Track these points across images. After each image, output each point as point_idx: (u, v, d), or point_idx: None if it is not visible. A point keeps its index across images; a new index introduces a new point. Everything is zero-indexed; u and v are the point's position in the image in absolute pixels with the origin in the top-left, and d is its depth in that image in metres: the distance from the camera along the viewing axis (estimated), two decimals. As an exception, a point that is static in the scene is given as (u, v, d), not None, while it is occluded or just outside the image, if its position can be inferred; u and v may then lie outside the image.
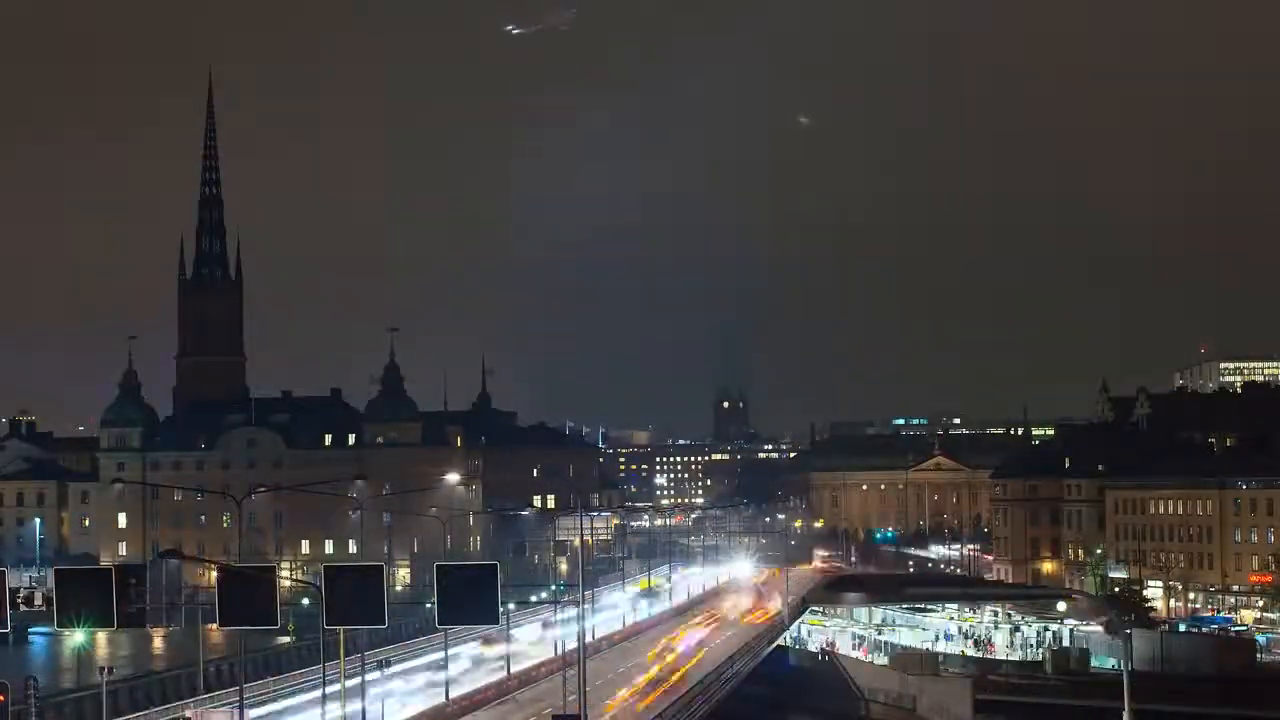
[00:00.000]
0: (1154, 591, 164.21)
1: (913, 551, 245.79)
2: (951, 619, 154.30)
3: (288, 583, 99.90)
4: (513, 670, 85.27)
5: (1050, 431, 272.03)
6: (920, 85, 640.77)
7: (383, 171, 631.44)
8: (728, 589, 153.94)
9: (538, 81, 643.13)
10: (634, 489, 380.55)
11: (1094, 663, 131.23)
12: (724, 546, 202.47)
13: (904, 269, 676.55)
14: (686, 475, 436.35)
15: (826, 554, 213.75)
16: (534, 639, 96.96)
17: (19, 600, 57.52)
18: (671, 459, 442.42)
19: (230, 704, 67.81)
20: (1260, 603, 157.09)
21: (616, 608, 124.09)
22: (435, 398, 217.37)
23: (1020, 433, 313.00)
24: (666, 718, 76.41)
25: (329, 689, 61.87)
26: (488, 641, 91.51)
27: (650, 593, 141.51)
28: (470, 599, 52.43)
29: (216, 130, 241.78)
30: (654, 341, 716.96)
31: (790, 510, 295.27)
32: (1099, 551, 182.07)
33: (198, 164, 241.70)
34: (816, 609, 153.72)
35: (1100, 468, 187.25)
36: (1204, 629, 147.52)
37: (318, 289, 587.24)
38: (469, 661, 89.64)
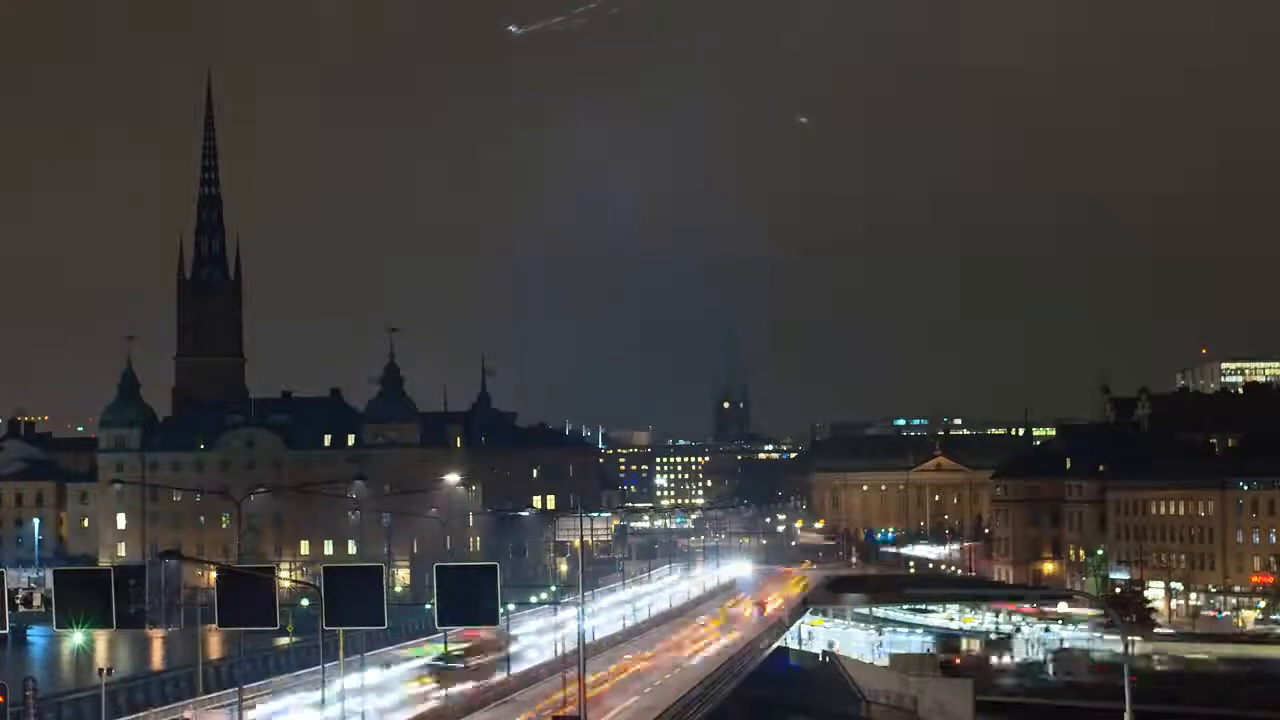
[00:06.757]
0: (1155, 592, 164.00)
1: (913, 552, 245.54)
2: (952, 620, 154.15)
3: (287, 583, 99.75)
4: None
5: (1051, 432, 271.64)
6: (920, 85, 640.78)
7: (383, 171, 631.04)
8: None
9: (538, 81, 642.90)
10: (634, 489, 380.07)
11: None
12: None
13: (904, 269, 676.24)
14: (686, 475, 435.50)
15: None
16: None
17: (18, 601, 57.38)
18: (671, 459, 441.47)
19: (229, 704, 67.59)
20: (1262, 604, 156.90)
21: None
22: (435, 398, 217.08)
23: (1021, 433, 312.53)
24: (666, 718, 76.26)
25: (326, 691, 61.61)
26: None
27: None
28: (470, 599, 52.33)
29: (216, 130, 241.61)
30: (654, 341, 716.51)
31: (791, 511, 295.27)
32: (1100, 552, 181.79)
33: (197, 164, 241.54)
34: (817, 610, 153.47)
35: (1101, 468, 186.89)
36: None
37: (318, 289, 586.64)
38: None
